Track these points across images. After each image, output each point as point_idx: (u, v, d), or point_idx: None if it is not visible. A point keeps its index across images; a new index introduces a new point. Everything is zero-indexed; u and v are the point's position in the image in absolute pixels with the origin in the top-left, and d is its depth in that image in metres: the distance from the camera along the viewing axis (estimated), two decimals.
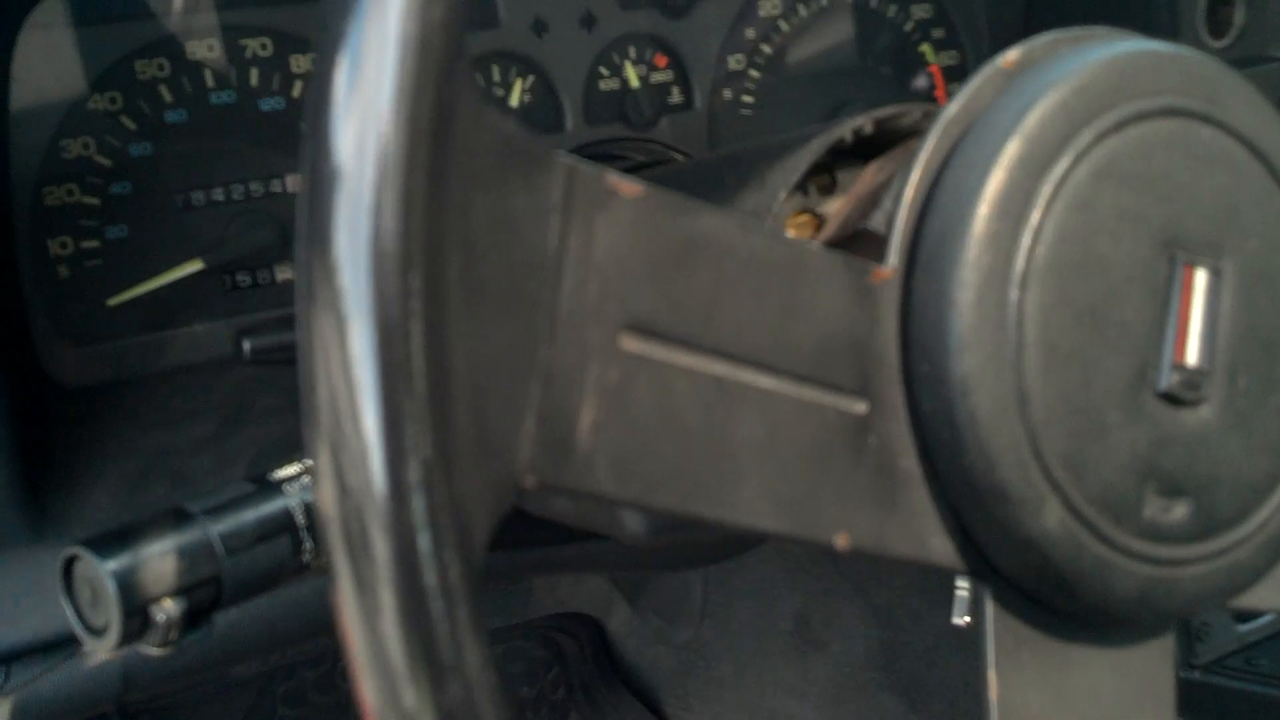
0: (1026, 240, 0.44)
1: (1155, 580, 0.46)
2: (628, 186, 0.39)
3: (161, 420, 0.71)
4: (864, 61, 0.96)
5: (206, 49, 0.77)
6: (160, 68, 0.75)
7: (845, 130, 0.56)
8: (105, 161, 0.74)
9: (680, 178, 0.72)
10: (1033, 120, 0.44)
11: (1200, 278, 0.46)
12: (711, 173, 0.67)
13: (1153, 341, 0.45)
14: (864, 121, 0.56)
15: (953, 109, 0.47)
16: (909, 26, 0.97)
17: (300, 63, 0.79)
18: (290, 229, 0.78)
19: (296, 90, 0.79)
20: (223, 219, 0.77)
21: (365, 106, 0.32)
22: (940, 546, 0.46)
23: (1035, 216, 0.44)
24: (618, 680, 1.32)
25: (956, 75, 0.98)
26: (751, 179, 0.59)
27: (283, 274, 0.79)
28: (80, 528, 0.64)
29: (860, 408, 0.44)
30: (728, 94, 0.92)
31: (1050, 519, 0.44)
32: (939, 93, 0.99)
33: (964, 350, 0.43)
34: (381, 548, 0.32)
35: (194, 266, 0.76)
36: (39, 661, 0.61)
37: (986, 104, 0.47)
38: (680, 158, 0.88)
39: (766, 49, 0.93)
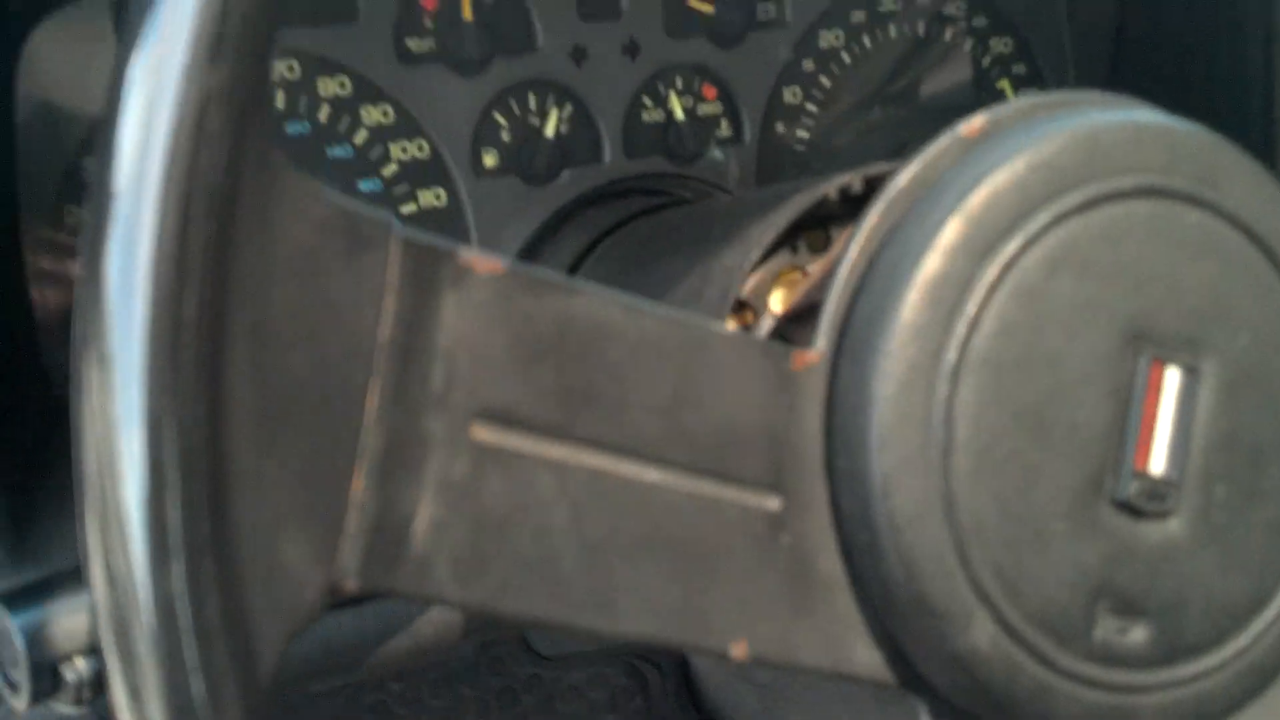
0: (960, 331, 0.40)
1: (1107, 708, 0.42)
2: (485, 264, 0.36)
3: None
4: (934, 99, 0.91)
5: None
6: None
7: (830, 188, 0.53)
8: None
9: (676, 224, 0.69)
10: (979, 199, 0.40)
11: (1171, 376, 0.41)
12: (705, 222, 0.64)
13: (1109, 446, 0.41)
14: (852, 179, 0.52)
15: (902, 179, 0.43)
16: (987, 61, 0.92)
17: (328, 86, 0.78)
18: None
19: (323, 114, 0.78)
20: None
21: (135, 182, 0.29)
22: (866, 657, 0.42)
23: (972, 306, 0.40)
24: (698, 718, 1.29)
25: None
26: (734, 233, 0.56)
27: None
28: (60, 558, 0.64)
29: (772, 504, 0.41)
30: (781, 128, 0.88)
31: (979, 636, 0.40)
32: None
33: (884, 447, 0.40)
34: (146, 652, 0.30)
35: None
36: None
37: (937, 176, 0.43)
38: (725, 196, 0.85)
39: (825, 81, 0.88)
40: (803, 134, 0.88)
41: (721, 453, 0.40)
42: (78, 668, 0.48)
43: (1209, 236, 0.42)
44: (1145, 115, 0.43)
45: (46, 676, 0.48)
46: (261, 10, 0.31)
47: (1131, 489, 0.41)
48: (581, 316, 0.38)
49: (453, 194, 0.81)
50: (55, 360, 0.74)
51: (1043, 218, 0.40)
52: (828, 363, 0.42)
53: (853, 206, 0.53)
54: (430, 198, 0.81)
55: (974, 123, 0.43)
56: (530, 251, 0.82)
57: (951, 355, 0.39)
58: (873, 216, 0.43)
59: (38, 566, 0.64)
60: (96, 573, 0.30)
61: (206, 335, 0.30)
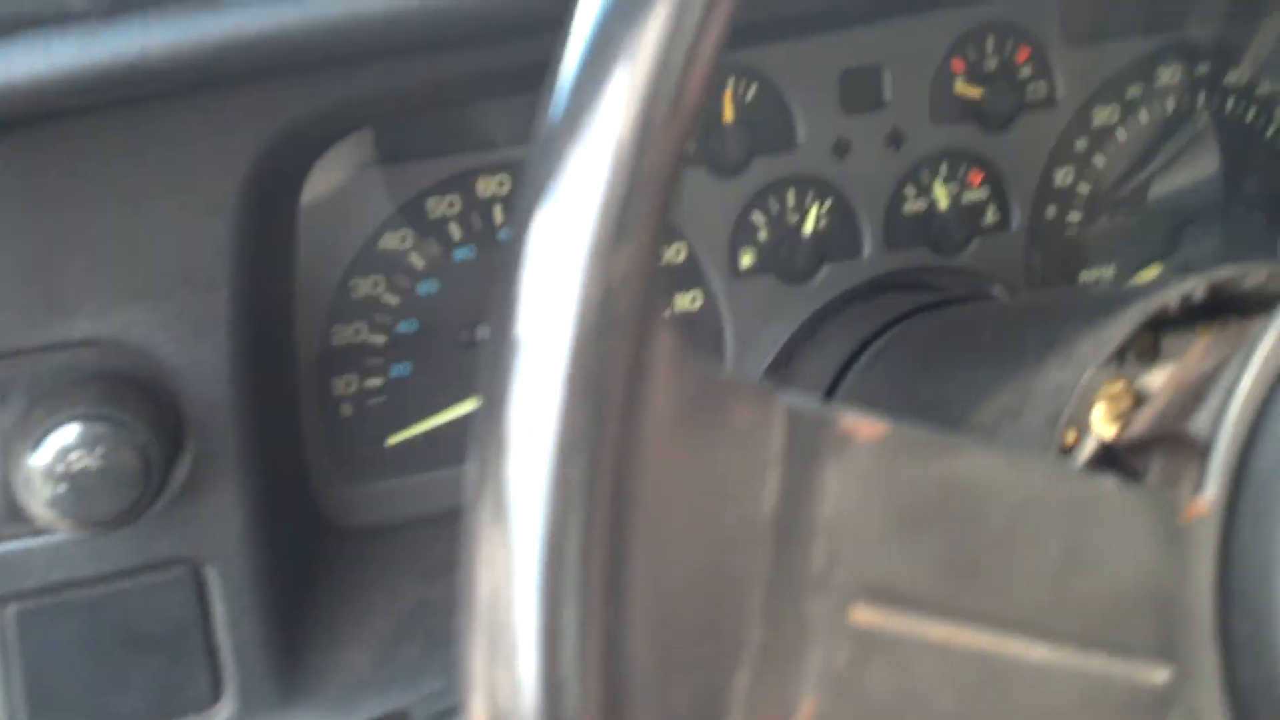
0: None
1: None
2: (867, 428, 0.33)
3: (424, 569, 0.69)
4: (1218, 179, 0.84)
5: (497, 185, 0.75)
6: (450, 205, 0.75)
7: (1171, 296, 0.48)
8: (393, 300, 0.74)
9: (965, 329, 0.64)
10: None
11: None
12: (1006, 329, 0.59)
13: None
14: (1195, 286, 0.48)
15: None
16: (1270, 131, 0.85)
17: None
18: None
19: None
20: None
21: (540, 374, 0.28)
22: None
23: None
24: None
25: None
26: (1057, 347, 0.51)
27: None
28: (333, 690, 0.63)
29: (1160, 676, 0.37)
30: (1051, 212, 0.83)
31: None
32: None
33: None
34: None
35: (474, 405, 0.75)
36: None
37: None
38: (997, 288, 0.80)
39: (1099, 162, 0.83)
40: (1074, 217, 0.83)
41: (1110, 620, 0.36)
42: None
43: None
44: None
45: None
46: (664, 189, 0.28)
47: None
48: (965, 477, 0.35)
49: (709, 296, 0.79)
50: (323, 486, 0.74)
51: None
52: (1220, 513, 0.37)
53: (1189, 312, 0.48)
54: (686, 301, 0.79)
55: None
56: (789, 352, 0.79)
57: None
58: (1269, 341, 0.38)
59: (309, 701, 0.64)
60: None
61: (607, 534, 0.28)
